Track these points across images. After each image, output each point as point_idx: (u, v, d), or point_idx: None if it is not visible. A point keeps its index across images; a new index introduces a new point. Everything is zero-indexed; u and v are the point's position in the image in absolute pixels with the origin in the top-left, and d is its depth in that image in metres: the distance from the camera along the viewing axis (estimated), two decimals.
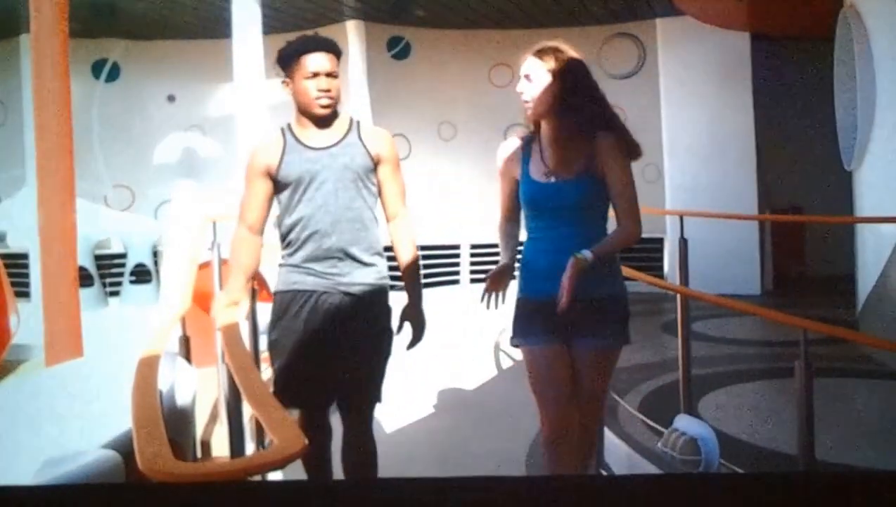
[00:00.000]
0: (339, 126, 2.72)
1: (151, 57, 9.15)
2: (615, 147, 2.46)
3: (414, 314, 2.79)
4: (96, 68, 9.15)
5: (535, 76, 2.49)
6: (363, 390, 2.71)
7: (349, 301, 2.66)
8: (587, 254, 2.35)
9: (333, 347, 2.65)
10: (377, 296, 2.72)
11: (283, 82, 2.71)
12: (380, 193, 2.76)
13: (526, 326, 2.55)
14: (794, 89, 8.69)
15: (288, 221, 2.69)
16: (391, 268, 2.78)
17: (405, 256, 2.82)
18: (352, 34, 8.70)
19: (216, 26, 8.20)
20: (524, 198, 2.56)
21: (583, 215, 2.50)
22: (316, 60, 2.65)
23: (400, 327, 2.78)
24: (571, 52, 2.52)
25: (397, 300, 2.80)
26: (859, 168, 6.10)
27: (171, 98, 9.35)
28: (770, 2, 7.30)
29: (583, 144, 2.47)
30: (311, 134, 2.69)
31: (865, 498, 0.99)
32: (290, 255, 2.70)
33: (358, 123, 2.76)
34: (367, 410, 2.75)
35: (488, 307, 2.55)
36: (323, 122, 2.68)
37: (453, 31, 9.12)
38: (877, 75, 5.56)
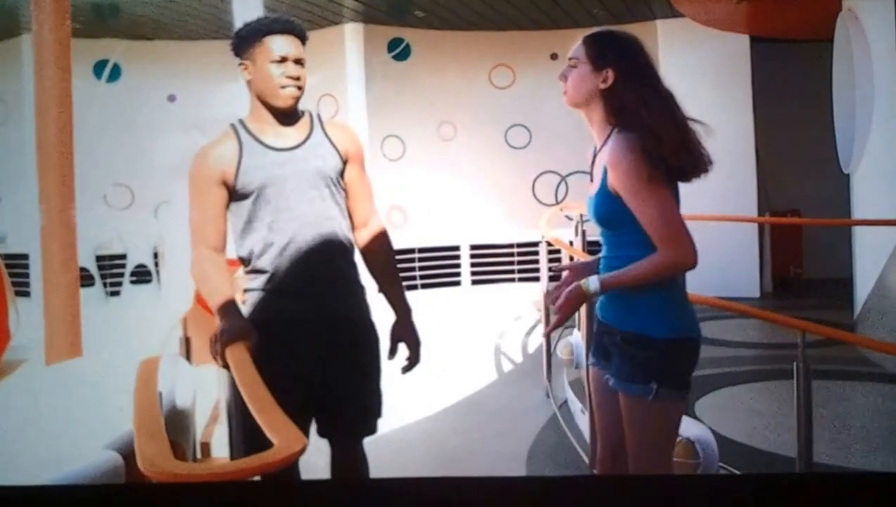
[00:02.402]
0: (303, 123, 2.38)
1: (152, 57, 9.16)
2: (623, 153, 1.99)
3: (408, 331, 2.45)
4: (97, 68, 9.15)
5: (574, 61, 2.13)
6: (357, 421, 2.43)
7: (340, 326, 2.35)
8: (591, 282, 2.03)
9: (325, 379, 2.34)
10: (365, 317, 2.42)
11: (241, 66, 2.33)
12: (347, 197, 2.41)
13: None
14: (793, 92, 8.70)
15: (255, 238, 2.31)
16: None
17: (387, 266, 2.49)
18: (350, 37, 8.72)
19: (217, 26, 8.21)
20: None
21: (614, 236, 2.10)
22: (285, 43, 2.29)
23: (393, 350, 2.45)
24: (624, 39, 2.15)
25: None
26: (857, 171, 6.11)
27: (171, 98, 9.36)
28: (769, 4, 7.31)
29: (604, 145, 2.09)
30: (272, 132, 2.33)
31: (863, 500, 1.00)
32: (266, 278, 2.32)
33: (319, 117, 2.43)
34: (360, 439, 2.46)
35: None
36: (287, 117, 2.34)
37: (454, 32, 9.13)
38: (875, 78, 5.57)
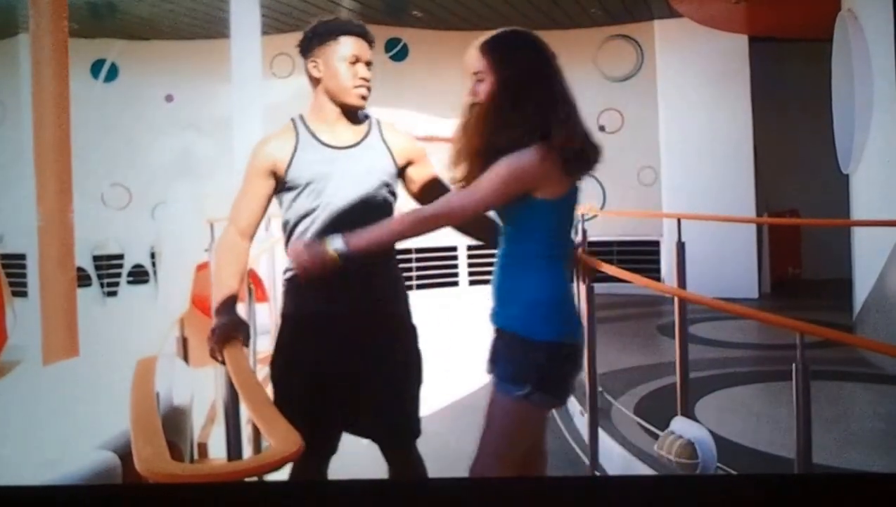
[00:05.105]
0: (363, 125, 2.45)
1: (150, 57, 9.15)
2: (517, 154, 2.03)
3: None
4: (95, 68, 9.14)
5: (480, 74, 2.17)
6: (401, 424, 2.50)
7: (379, 323, 2.39)
8: (334, 240, 2.08)
9: (364, 376, 2.38)
10: (405, 314, 2.47)
11: (311, 63, 2.38)
12: (426, 190, 2.43)
13: None
14: (792, 92, 8.70)
15: (299, 229, 2.35)
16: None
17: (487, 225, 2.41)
18: None
19: (215, 26, 8.20)
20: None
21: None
22: (360, 45, 2.41)
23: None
24: (516, 38, 2.23)
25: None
26: (856, 171, 6.11)
27: (169, 98, 9.35)
28: (768, 4, 7.31)
29: None
30: (329, 130, 2.39)
31: (862, 501, 0.99)
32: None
33: (378, 121, 2.49)
34: (411, 444, 2.53)
35: None
36: (350, 116, 2.41)
37: (452, 32, 9.13)
38: (874, 78, 5.57)
